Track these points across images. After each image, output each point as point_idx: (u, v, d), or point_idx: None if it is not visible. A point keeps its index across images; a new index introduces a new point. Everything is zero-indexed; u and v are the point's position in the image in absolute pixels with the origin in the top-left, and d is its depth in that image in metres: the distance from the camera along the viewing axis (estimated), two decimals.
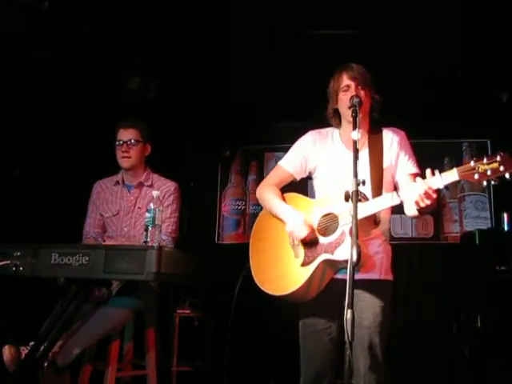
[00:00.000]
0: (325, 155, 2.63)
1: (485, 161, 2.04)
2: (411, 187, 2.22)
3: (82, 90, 4.29)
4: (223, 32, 4.00)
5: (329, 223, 2.43)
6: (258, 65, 4.36)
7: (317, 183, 2.69)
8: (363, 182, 2.07)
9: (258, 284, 2.55)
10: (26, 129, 4.23)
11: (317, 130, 2.72)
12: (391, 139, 2.57)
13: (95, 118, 4.42)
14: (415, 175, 2.42)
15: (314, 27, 4.01)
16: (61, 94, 4.24)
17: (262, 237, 2.68)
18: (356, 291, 2.42)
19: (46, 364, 2.55)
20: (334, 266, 2.42)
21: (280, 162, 2.75)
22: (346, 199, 2.07)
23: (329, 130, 2.71)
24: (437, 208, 5.22)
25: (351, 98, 2.38)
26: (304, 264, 2.43)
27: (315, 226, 2.47)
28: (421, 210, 2.25)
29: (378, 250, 2.52)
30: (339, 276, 2.44)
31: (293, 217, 2.49)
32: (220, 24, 3.92)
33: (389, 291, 2.52)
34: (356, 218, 2.01)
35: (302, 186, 2.84)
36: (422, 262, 5.07)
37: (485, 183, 2.07)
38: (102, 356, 3.03)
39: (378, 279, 2.48)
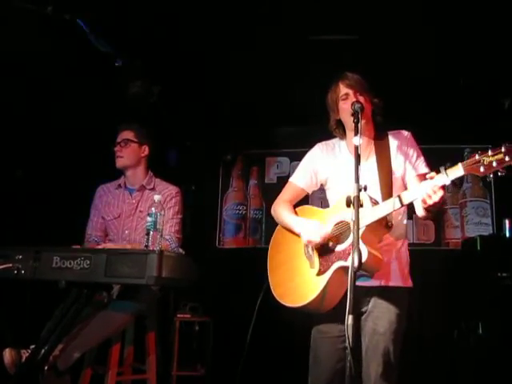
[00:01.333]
0: (334, 166, 2.63)
1: (490, 153, 2.04)
2: (417, 187, 2.23)
3: (84, 94, 4.30)
4: (226, 36, 4.02)
5: (342, 231, 2.43)
6: (260, 69, 4.37)
7: (329, 194, 2.70)
8: (365, 188, 2.07)
9: (277, 298, 2.54)
10: (28, 131, 4.24)
11: (323, 142, 2.74)
12: (397, 143, 2.57)
13: (98, 122, 4.43)
14: (425, 175, 2.38)
15: (315, 32, 4.02)
16: (63, 96, 4.25)
17: (278, 251, 2.69)
18: (373, 298, 2.45)
19: (46, 367, 2.56)
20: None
21: (291, 179, 2.77)
22: (348, 205, 2.07)
23: (335, 141, 2.72)
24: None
25: (352, 104, 2.37)
26: (319, 273, 2.42)
27: (329, 234, 2.47)
28: (429, 209, 2.24)
29: (395, 257, 2.51)
30: (357, 283, 2.42)
31: (306, 226, 2.51)
32: (222, 29, 3.93)
33: (406, 298, 2.51)
34: (358, 223, 2.01)
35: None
36: (423, 268, 5.05)
37: (491, 176, 2.05)
38: (102, 360, 3.03)
39: (394, 286, 2.47)
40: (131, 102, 4.50)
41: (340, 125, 2.65)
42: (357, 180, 2.09)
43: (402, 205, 2.26)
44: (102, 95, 4.38)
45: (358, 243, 1.96)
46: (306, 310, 2.46)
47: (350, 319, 1.91)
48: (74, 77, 4.15)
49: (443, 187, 2.15)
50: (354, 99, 2.45)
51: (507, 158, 1.99)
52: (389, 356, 2.40)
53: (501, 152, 2.01)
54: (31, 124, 4.24)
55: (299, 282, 2.50)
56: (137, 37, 3.95)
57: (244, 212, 5.71)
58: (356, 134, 2.23)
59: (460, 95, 4.62)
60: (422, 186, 2.20)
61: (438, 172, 2.16)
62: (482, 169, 2.04)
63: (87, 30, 3.66)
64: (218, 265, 5.26)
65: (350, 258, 2.27)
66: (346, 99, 2.53)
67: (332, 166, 2.64)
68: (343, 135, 2.67)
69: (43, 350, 2.51)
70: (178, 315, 5.06)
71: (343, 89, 2.55)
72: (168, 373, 4.74)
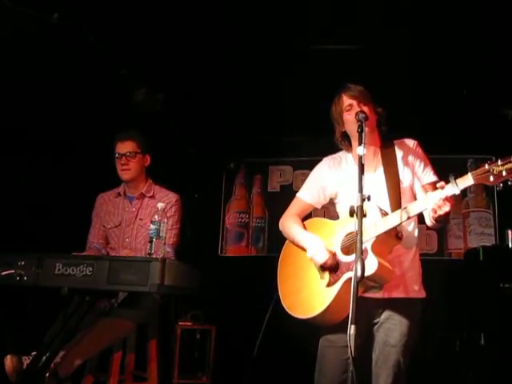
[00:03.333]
0: (343, 180, 2.63)
1: (499, 162, 2.05)
2: (427, 197, 2.23)
3: (87, 102, 4.32)
4: (229, 46, 4.03)
5: (351, 241, 2.42)
6: (263, 78, 4.38)
7: (339, 207, 2.69)
8: (368, 198, 2.08)
9: (287, 309, 2.54)
10: (31, 138, 4.25)
11: (330, 157, 2.74)
12: (404, 152, 2.57)
13: (100, 129, 4.44)
14: (434, 184, 2.40)
15: (317, 42, 4.03)
16: (67, 104, 4.27)
17: (288, 263, 2.69)
18: (386, 309, 2.45)
19: (47, 374, 2.54)
20: (362, 284, 2.38)
21: (298, 194, 2.77)
22: (351, 214, 2.07)
23: (341, 154, 2.72)
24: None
25: (356, 113, 2.39)
26: (329, 284, 2.42)
27: (339, 245, 2.47)
28: (438, 219, 2.25)
29: (408, 268, 2.50)
30: (368, 295, 2.41)
31: (312, 243, 2.51)
32: (226, 38, 3.95)
33: (419, 309, 2.50)
34: (361, 233, 2.01)
35: None
36: (426, 278, 5.04)
37: (501, 185, 2.06)
38: (103, 367, 3.02)
39: (406, 298, 2.46)
40: (135, 109, 4.52)
41: (346, 137, 2.65)
42: (360, 190, 2.10)
43: (409, 217, 2.27)
44: (106, 103, 4.39)
45: (361, 253, 1.96)
46: (315, 322, 2.45)
47: (352, 329, 1.90)
48: (78, 84, 4.16)
49: (453, 197, 2.16)
50: (358, 109, 2.46)
51: None
52: (399, 368, 2.41)
53: (510, 162, 2.03)
54: (34, 132, 4.25)
55: (308, 293, 2.49)
56: (141, 44, 3.96)
57: (247, 220, 5.71)
58: (360, 143, 2.24)
59: (463, 106, 4.62)
60: (431, 196, 2.20)
61: (447, 182, 2.16)
62: (491, 178, 2.06)
63: (92, 37, 3.69)
64: (220, 273, 5.26)
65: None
66: (349, 110, 2.53)
67: (341, 181, 2.64)
68: (349, 147, 2.67)
69: (44, 357, 2.50)
70: (180, 323, 5.06)
71: (346, 100, 2.56)
72: (169, 381, 4.73)
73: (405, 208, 2.29)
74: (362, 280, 1.93)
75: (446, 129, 4.99)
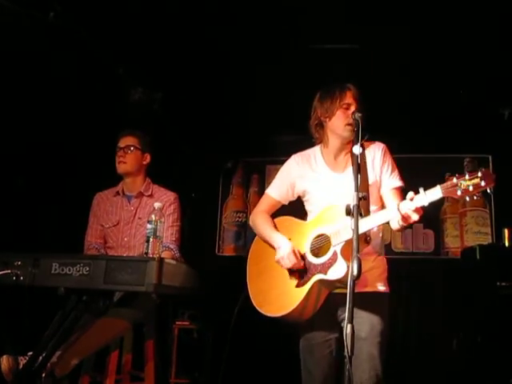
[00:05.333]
0: (311, 179, 2.67)
1: (467, 177, 2.09)
2: (397, 207, 2.26)
3: (85, 101, 4.31)
4: (227, 45, 4.03)
5: (321, 244, 2.47)
6: (261, 77, 4.38)
7: (307, 205, 2.73)
8: (364, 197, 2.10)
9: (257, 307, 2.59)
10: (29, 139, 4.24)
11: (299, 154, 2.78)
12: (373, 155, 2.61)
13: (98, 129, 4.43)
14: (399, 189, 2.54)
15: (315, 41, 4.03)
16: (64, 104, 4.26)
17: (258, 260, 2.72)
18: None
19: (44, 374, 2.54)
20: (330, 285, 2.45)
21: (267, 190, 2.82)
22: (348, 213, 2.08)
23: (310, 151, 2.75)
24: (437, 222, 5.23)
25: (353, 112, 2.44)
26: (299, 285, 2.46)
27: (309, 247, 2.51)
28: (406, 226, 2.33)
29: (372, 266, 2.54)
30: (336, 290, 2.46)
31: (281, 246, 2.54)
32: (224, 37, 3.94)
33: (385, 303, 2.54)
34: (357, 232, 2.02)
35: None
36: (422, 277, 5.06)
37: (467, 198, 2.14)
38: (100, 367, 3.01)
39: (372, 291, 2.49)
40: (132, 108, 4.51)
41: (322, 127, 2.67)
42: (356, 189, 2.12)
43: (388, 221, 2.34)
44: (102, 102, 4.38)
45: (358, 252, 1.96)
46: (284, 320, 2.50)
47: (348, 328, 1.91)
48: (74, 84, 4.16)
49: (422, 208, 2.21)
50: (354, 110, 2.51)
51: (483, 183, 2.05)
52: (374, 361, 2.40)
53: (477, 177, 2.06)
54: (32, 132, 4.24)
55: (278, 292, 2.53)
56: (139, 44, 3.95)
57: (244, 220, 5.71)
58: (356, 142, 2.28)
59: (460, 105, 4.63)
60: (402, 206, 2.24)
61: (416, 193, 2.21)
62: (459, 192, 2.10)
63: (88, 36, 3.68)
64: (218, 272, 5.25)
65: (329, 271, 2.36)
66: (347, 109, 2.56)
67: (309, 179, 2.67)
68: (320, 139, 2.69)
69: (41, 357, 2.49)
70: (177, 323, 5.05)
71: (349, 98, 2.58)
72: (166, 381, 4.72)
73: (377, 214, 2.36)
74: (358, 278, 1.94)
75: (443, 128, 5.00)
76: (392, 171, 2.60)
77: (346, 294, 2.37)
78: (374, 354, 2.40)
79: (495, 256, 4.18)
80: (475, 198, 2.15)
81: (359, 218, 2.06)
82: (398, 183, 2.59)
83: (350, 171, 2.56)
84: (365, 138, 2.48)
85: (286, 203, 2.79)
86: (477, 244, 4.62)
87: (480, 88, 4.42)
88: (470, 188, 2.07)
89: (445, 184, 2.14)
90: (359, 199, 2.08)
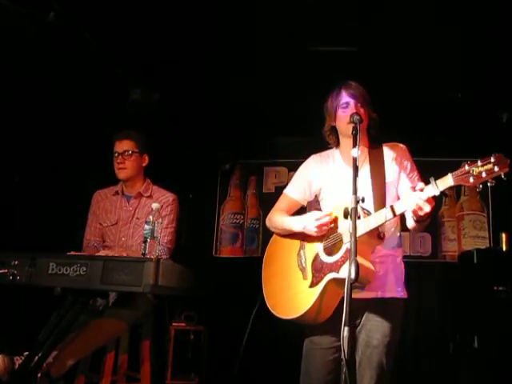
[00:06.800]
0: (328, 176, 2.64)
1: (479, 163, 2.00)
2: (408, 198, 2.21)
3: (83, 100, 4.31)
4: (226, 46, 4.03)
5: (334, 242, 2.43)
6: (259, 79, 4.38)
7: (323, 204, 2.70)
8: (362, 199, 2.08)
9: (270, 309, 2.54)
10: (27, 137, 4.24)
11: (318, 154, 2.75)
12: (392, 154, 2.57)
13: (96, 128, 4.43)
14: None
15: (314, 43, 4.03)
16: (63, 103, 4.26)
17: (272, 262, 2.69)
18: (367, 310, 2.44)
19: (39, 375, 2.53)
20: (343, 284, 2.40)
21: (285, 190, 2.78)
22: (345, 216, 2.07)
23: (329, 151, 2.73)
24: (435, 226, 5.23)
25: (351, 115, 2.38)
26: (312, 285, 2.41)
27: (322, 246, 2.47)
28: (419, 220, 2.24)
29: (391, 268, 2.50)
30: (353, 295, 2.41)
31: (301, 218, 2.52)
32: (222, 38, 3.94)
33: (401, 310, 2.50)
34: (355, 235, 2.01)
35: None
36: (420, 281, 5.06)
37: (481, 186, 2.01)
38: (96, 367, 3.01)
39: (389, 297, 2.46)
40: (131, 109, 4.51)
41: (334, 131, 2.65)
42: (354, 192, 2.09)
43: (395, 215, 2.24)
44: (101, 103, 4.38)
45: (356, 255, 1.95)
46: (298, 322, 2.45)
47: (345, 331, 1.90)
48: (73, 84, 4.15)
49: (433, 198, 2.14)
50: (354, 110, 2.46)
51: (496, 168, 1.95)
52: (382, 369, 2.39)
53: (490, 162, 1.97)
54: (30, 130, 4.24)
55: (292, 293, 2.50)
56: (137, 45, 3.95)
57: (241, 221, 5.71)
58: (354, 145, 2.24)
59: (459, 109, 4.63)
60: (412, 197, 2.18)
61: (427, 183, 2.15)
62: (471, 179, 2.00)
63: (88, 36, 3.68)
64: (214, 274, 5.25)
65: (342, 270, 2.30)
66: (346, 108, 2.53)
67: (325, 177, 2.64)
68: (335, 142, 2.68)
69: (37, 357, 2.49)
70: (173, 323, 5.05)
71: (345, 97, 2.54)
72: (162, 381, 4.72)
73: (390, 206, 2.27)
74: (355, 282, 1.93)
75: (442, 131, 5.01)
76: (411, 171, 2.56)
77: (359, 299, 2.35)
78: (384, 362, 2.39)
79: (492, 260, 4.19)
80: (489, 184, 2.00)
81: (359, 219, 2.05)
82: (417, 183, 2.53)
83: (367, 169, 2.54)
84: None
85: (305, 204, 2.76)
86: (474, 248, 4.63)
87: (478, 91, 4.42)
88: (483, 174, 1.97)
89: (456, 172, 2.05)
90: (357, 202, 2.06)
